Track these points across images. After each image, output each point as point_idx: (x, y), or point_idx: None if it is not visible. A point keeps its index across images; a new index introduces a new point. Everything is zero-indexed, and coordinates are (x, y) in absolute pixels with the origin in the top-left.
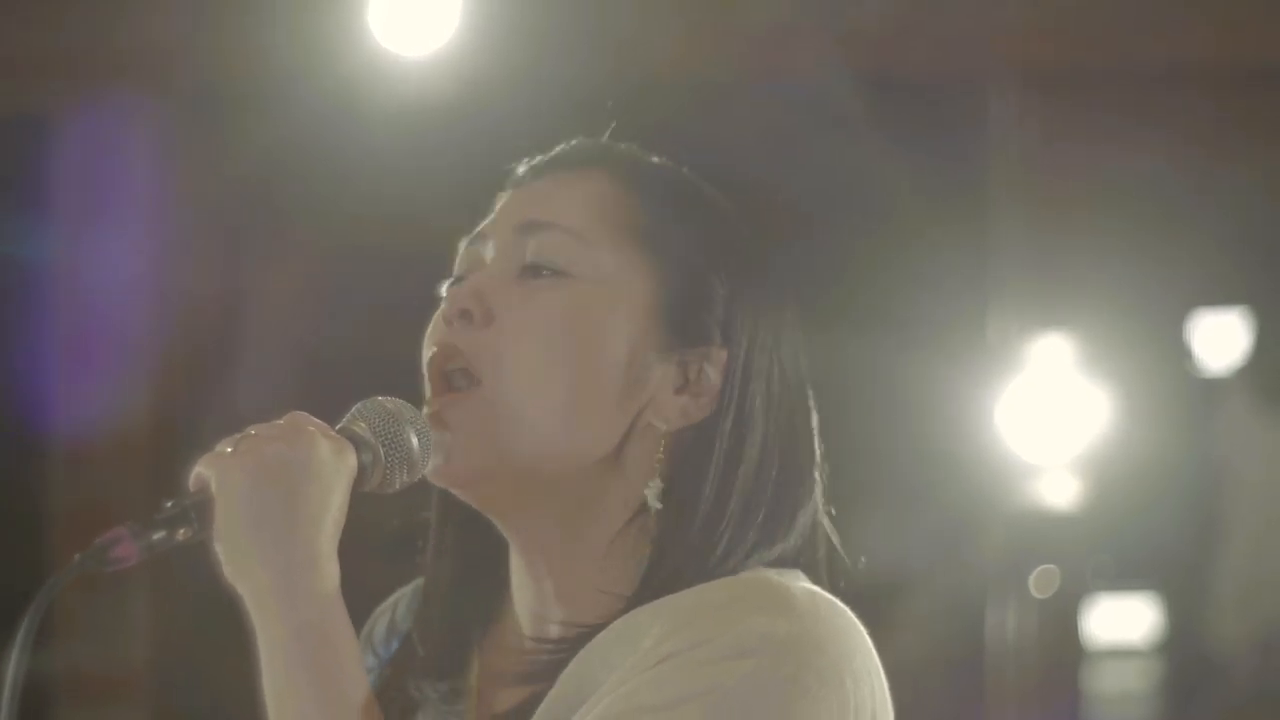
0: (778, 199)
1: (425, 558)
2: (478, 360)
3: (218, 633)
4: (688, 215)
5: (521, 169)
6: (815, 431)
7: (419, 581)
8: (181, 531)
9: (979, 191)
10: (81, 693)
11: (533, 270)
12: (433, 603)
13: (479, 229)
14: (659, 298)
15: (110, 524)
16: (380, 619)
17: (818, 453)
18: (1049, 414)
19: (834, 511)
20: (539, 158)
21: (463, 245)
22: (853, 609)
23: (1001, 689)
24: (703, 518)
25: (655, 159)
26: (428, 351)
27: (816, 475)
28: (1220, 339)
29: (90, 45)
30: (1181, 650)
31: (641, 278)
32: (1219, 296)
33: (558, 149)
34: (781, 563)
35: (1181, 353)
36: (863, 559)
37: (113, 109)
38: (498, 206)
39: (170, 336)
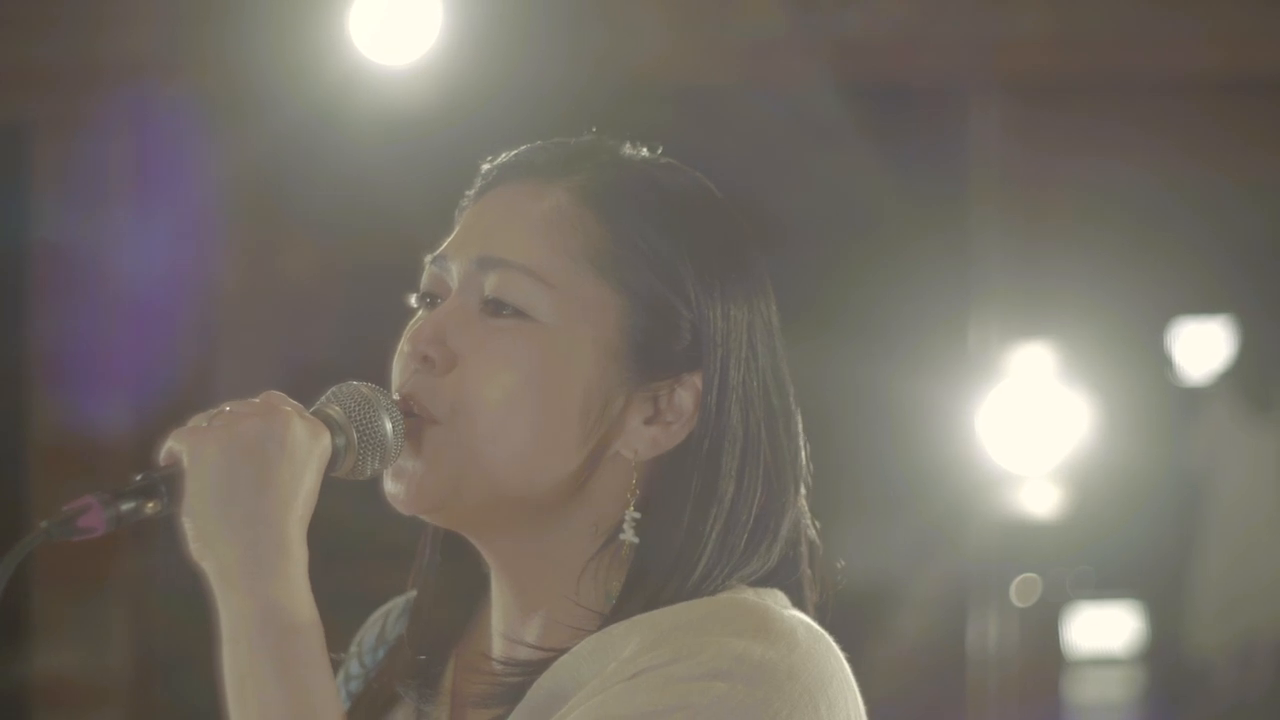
0: (759, 207)
1: (416, 566)
2: (435, 406)
3: (199, 640)
4: (652, 234)
5: (486, 169)
6: (800, 436)
7: (411, 593)
8: (150, 504)
9: (961, 201)
10: (62, 700)
11: (494, 305)
12: (420, 608)
13: (443, 248)
14: (623, 335)
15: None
16: (371, 628)
17: (803, 459)
18: (1030, 423)
19: (819, 525)
20: (503, 158)
21: (428, 261)
22: (834, 618)
23: (983, 697)
24: (680, 545)
25: (626, 156)
26: (395, 390)
27: (801, 485)
28: (1201, 348)
29: (72, 56)
30: (1162, 658)
31: (604, 316)
32: (1200, 306)
33: (521, 151)
34: (763, 580)
35: (1162, 362)
36: (841, 563)
37: (95, 120)
38: (460, 219)
39: (153, 346)
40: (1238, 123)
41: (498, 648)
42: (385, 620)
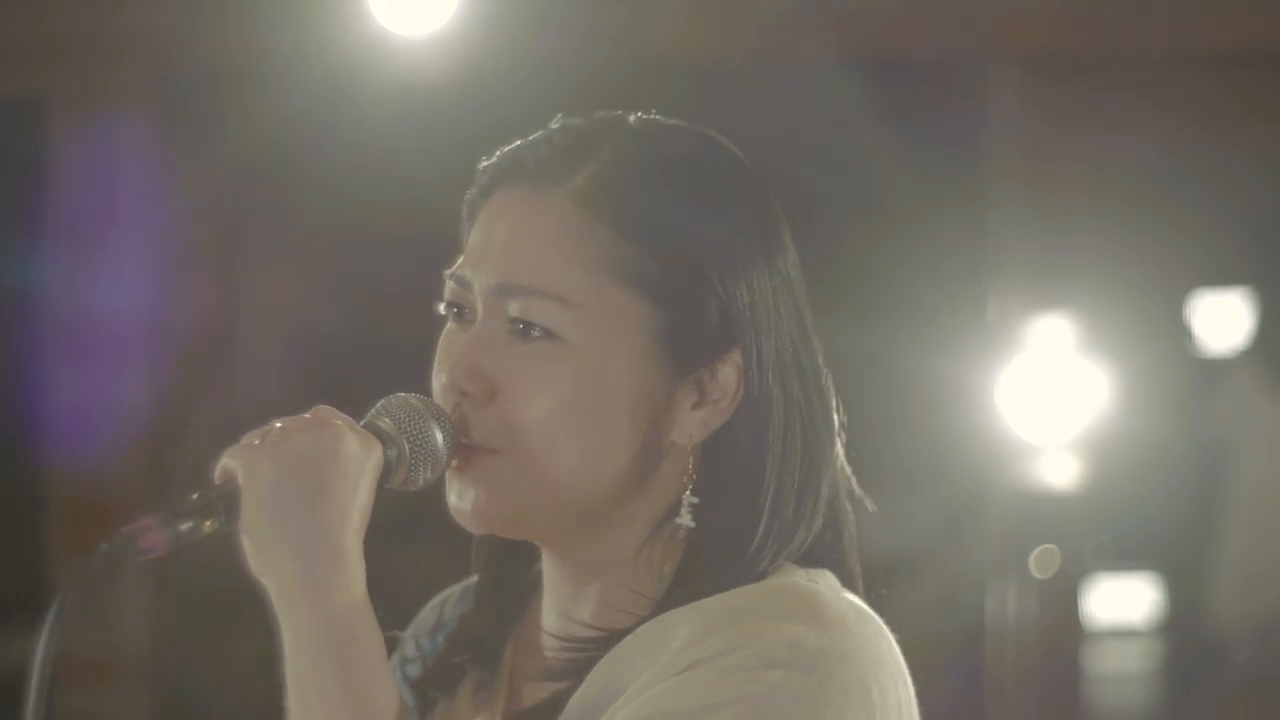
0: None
1: (475, 551)
2: (486, 437)
3: (215, 619)
4: (663, 226)
5: (485, 168)
6: (830, 393)
7: (469, 580)
8: (208, 523)
9: (979, 173)
10: (77, 678)
11: (522, 327)
12: (479, 590)
13: (460, 265)
14: (653, 336)
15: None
16: (430, 614)
17: (835, 416)
18: (1049, 394)
19: (859, 491)
20: (500, 158)
21: (448, 276)
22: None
23: (1001, 668)
24: (734, 522)
25: (626, 138)
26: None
27: (837, 442)
28: (1220, 319)
29: (89, 29)
30: (1181, 631)
31: (631, 324)
32: (1219, 277)
33: (518, 150)
34: (810, 557)
35: (1182, 333)
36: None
37: (112, 92)
38: (472, 231)
39: (170, 321)
40: (1258, 96)
41: (554, 624)
42: (443, 606)
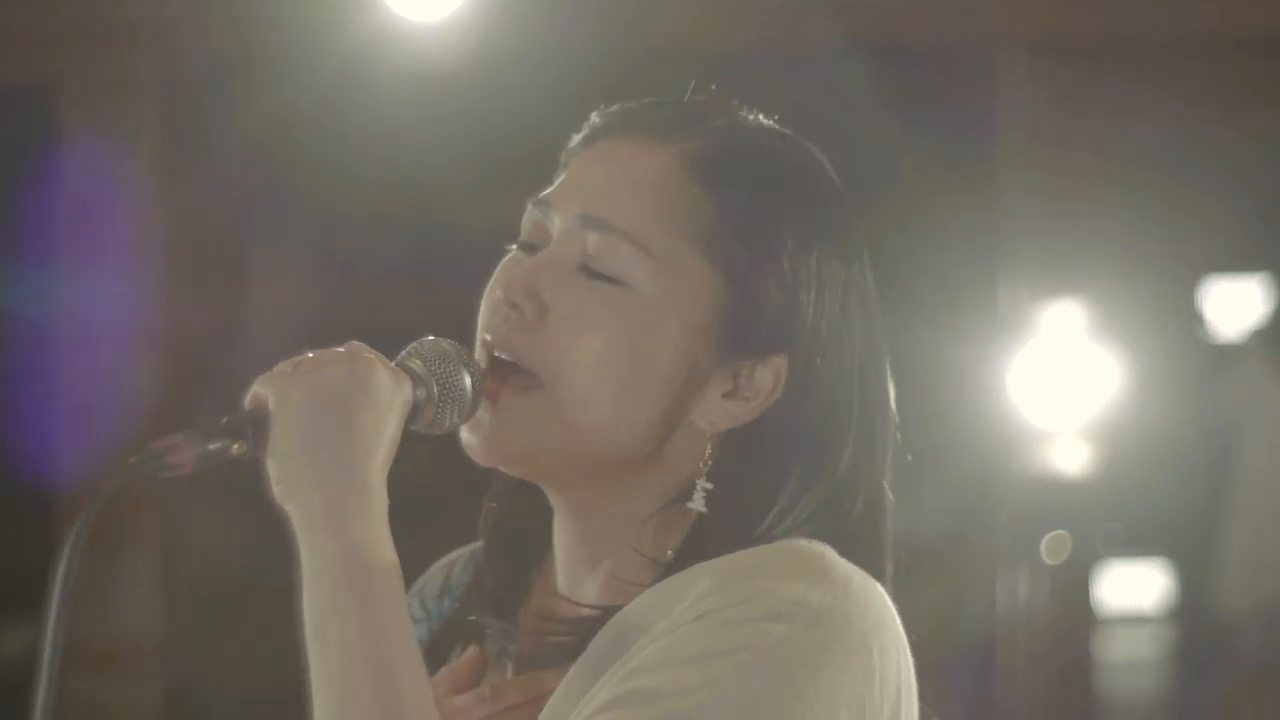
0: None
1: (484, 512)
2: (530, 359)
3: (229, 600)
4: (756, 213)
5: (599, 115)
6: (891, 417)
7: (476, 544)
8: (236, 445)
9: (990, 158)
10: (91, 660)
11: (591, 270)
12: (492, 546)
13: (548, 193)
14: (714, 312)
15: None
16: (435, 576)
17: (890, 439)
18: (1060, 381)
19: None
20: (619, 108)
21: (530, 205)
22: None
23: (1012, 654)
24: (745, 513)
25: (739, 122)
26: (482, 329)
27: (885, 464)
28: (1232, 305)
29: (101, 16)
30: (1190, 618)
31: (699, 293)
32: (1231, 263)
33: (638, 105)
34: (821, 538)
35: (1193, 319)
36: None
37: (124, 80)
38: (569, 166)
39: (178, 303)
40: (1270, 81)
41: (565, 584)
42: (451, 568)
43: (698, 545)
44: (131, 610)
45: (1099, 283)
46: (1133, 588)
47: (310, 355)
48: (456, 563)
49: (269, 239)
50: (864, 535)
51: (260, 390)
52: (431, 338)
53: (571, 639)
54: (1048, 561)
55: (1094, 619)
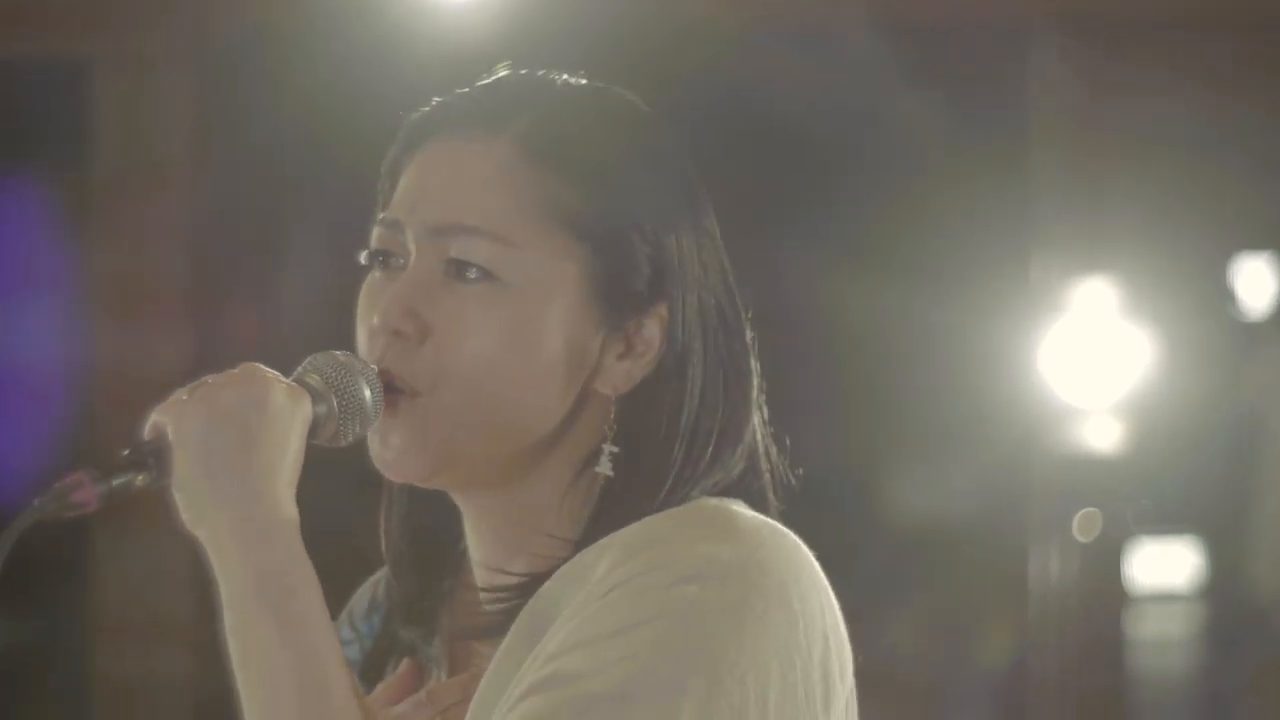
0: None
1: (380, 517)
2: (415, 379)
3: None
4: (601, 175)
5: (416, 119)
6: (750, 345)
7: None
8: (140, 477)
9: (1022, 137)
10: (122, 640)
11: (458, 266)
12: (396, 560)
13: (392, 209)
14: (590, 282)
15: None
16: (362, 596)
17: (754, 367)
18: (1092, 358)
19: (780, 434)
20: (433, 108)
21: (376, 226)
22: (895, 552)
23: (1044, 631)
24: (648, 468)
25: (560, 92)
26: (367, 359)
27: (756, 395)
28: (1263, 283)
29: None
30: (1221, 596)
31: (570, 268)
32: (1262, 241)
33: (452, 100)
34: (725, 492)
35: (1225, 297)
36: (799, 471)
37: (156, 55)
38: (403, 178)
39: (205, 280)
40: None
41: (481, 578)
42: (376, 587)
43: (609, 510)
44: (164, 592)
45: (1130, 260)
46: (1164, 565)
47: (206, 380)
48: (382, 580)
49: (299, 216)
50: (748, 481)
51: (158, 419)
52: (329, 351)
53: (494, 614)
54: (1079, 539)
55: (1125, 596)
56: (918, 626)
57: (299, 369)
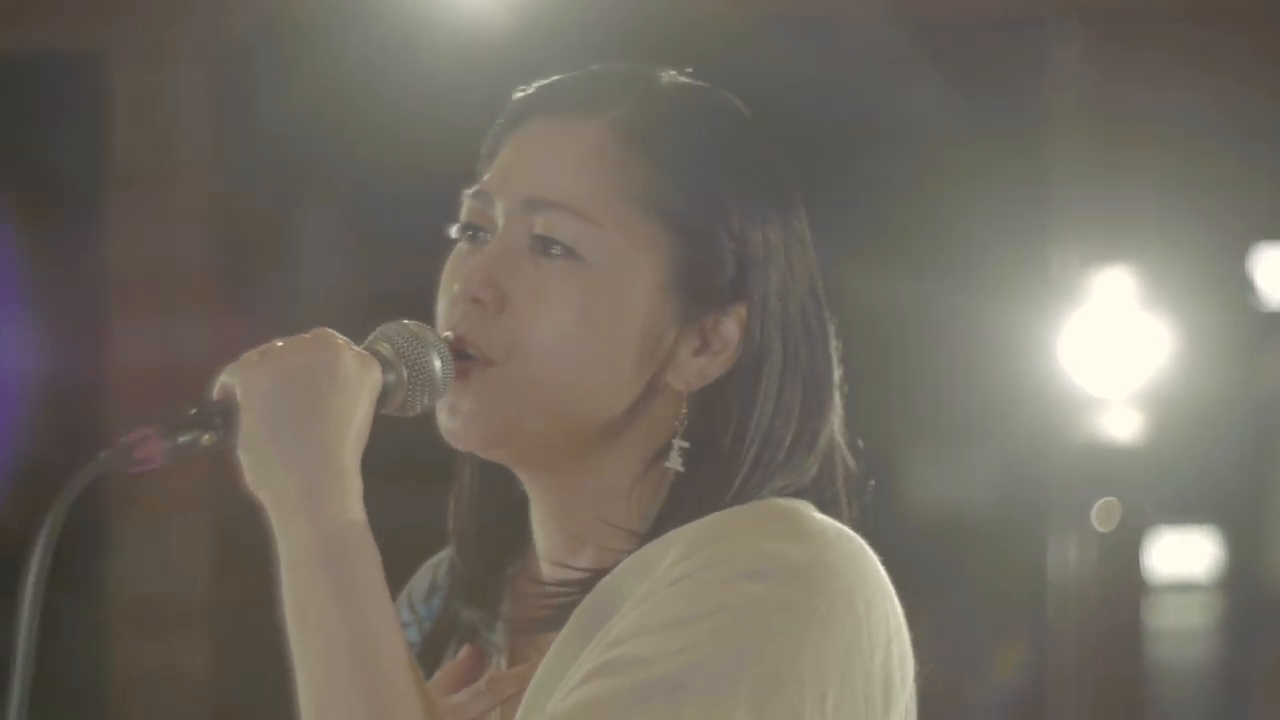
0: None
1: (451, 498)
2: (489, 348)
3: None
4: (694, 166)
5: (519, 99)
6: (834, 354)
7: None
8: (206, 436)
9: (1041, 127)
10: (142, 626)
11: (543, 243)
12: (462, 541)
13: (484, 183)
14: (672, 270)
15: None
16: (422, 578)
17: (836, 379)
18: (1111, 348)
19: (861, 443)
20: (537, 89)
21: (468, 195)
22: (914, 543)
23: (1063, 621)
24: (718, 467)
25: (661, 85)
26: (444, 326)
27: (836, 403)
28: None
29: None
30: (1240, 586)
31: (653, 254)
32: None
33: (556, 83)
34: (795, 494)
35: (1244, 286)
36: (872, 482)
37: (173, 46)
38: (499, 154)
39: (222, 271)
40: None
41: (546, 568)
42: (436, 571)
43: (677, 506)
44: (179, 574)
45: (1149, 250)
46: (1183, 555)
47: (277, 343)
48: (443, 563)
49: (319, 205)
50: (823, 485)
51: (227, 380)
52: (401, 321)
53: (556, 608)
54: (1098, 528)
55: (1144, 586)
56: (936, 616)
57: (370, 337)
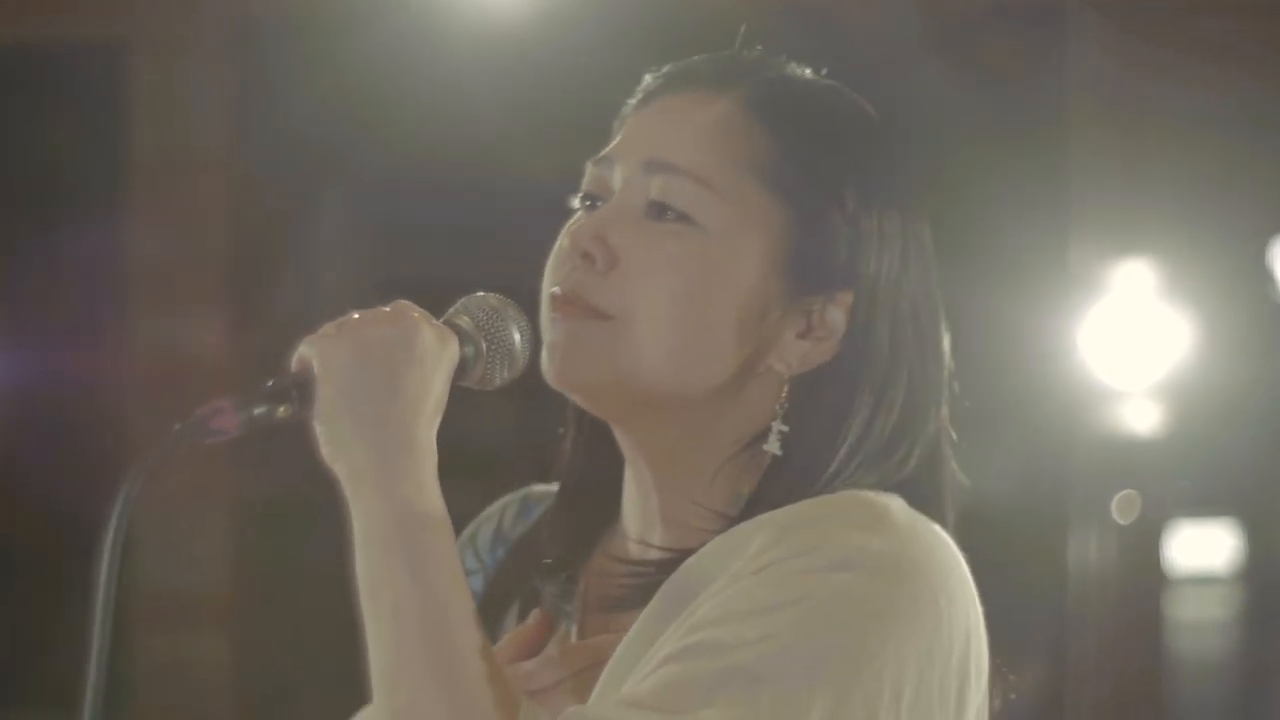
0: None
1: (559, 457)
2: (603, 303)
3: (297, 559)
4: (817, 148)
5: (651, 78)
6: (945, 357)
7: (526, 490)
8: (282, 408)
9: (1061, 119)
10: (160, 619)
11: (658, 209)
12: (561, 501)
13: (607, 150)
14: (784, 246)
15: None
16: (486, 524)
17: (945, 379)
18: (1130, 340)
19: (957, 438)
20: (669, 68)
21: (590, 165)
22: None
23: (1083, 613)
24: (815, 455)
25: (792, 71)
26: (549, 286)
27: (942, 406)
28: None
29: None
30: (1262, 577)
31: (766, 226)
32: None
33: (687, 62)
34: (892, 488)
35: (1263, 278)
36: (967, 485)
37: (192, 38)
38: (626, 124)
39: (241, 262)
40: None
41: (633, 544)
42: (501, 516)
43: (771, 489)
44: (200, 569)
45: (1169, 243)
46: (1203, 547)
47: (355, 315)
48: (508, 510)
49: (340, 196)
50: (922, 482)
51: (305, 352)
52: (481, 293)
53: (638, 585)
54: (1118, 521)
55: (1164, 578)
56: None
57: (450, 310)
